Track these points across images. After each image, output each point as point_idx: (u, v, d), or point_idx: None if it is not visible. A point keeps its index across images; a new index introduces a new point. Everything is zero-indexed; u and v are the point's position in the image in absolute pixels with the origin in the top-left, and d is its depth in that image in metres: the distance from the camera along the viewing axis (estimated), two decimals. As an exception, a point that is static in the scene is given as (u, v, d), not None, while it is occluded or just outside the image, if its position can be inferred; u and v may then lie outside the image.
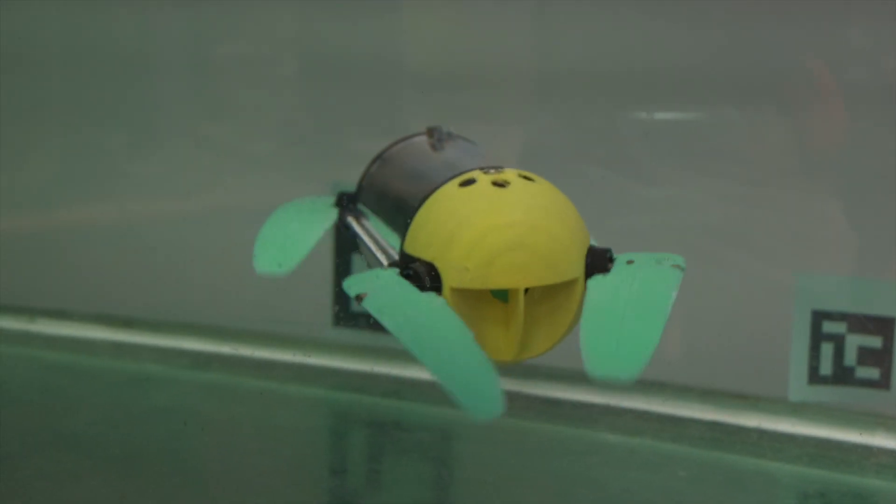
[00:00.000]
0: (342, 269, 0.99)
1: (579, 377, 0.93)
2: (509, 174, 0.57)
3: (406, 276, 0.55)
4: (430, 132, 0.69)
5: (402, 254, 0.57)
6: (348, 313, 0.99)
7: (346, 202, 0.71)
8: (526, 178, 0.57)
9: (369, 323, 1.00)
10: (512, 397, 0.90)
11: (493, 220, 0.54)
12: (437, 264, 0.54)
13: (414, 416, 0.90)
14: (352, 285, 0.55)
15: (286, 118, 1.06)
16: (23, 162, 1.15)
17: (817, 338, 0.88)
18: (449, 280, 0.54)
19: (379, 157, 0.71)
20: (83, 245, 1.12)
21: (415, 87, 1.02)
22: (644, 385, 0.92)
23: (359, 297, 0.53)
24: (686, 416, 0.89)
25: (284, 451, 0.83)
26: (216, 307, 1.04)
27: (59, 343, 1.04)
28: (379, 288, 0.54)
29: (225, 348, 1.01)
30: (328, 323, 1.00)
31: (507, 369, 0.93)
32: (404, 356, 0.95)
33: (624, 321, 0.52)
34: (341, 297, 1.00)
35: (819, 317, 0.88)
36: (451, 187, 0.57)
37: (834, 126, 0.89)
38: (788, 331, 0.88)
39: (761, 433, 0.86)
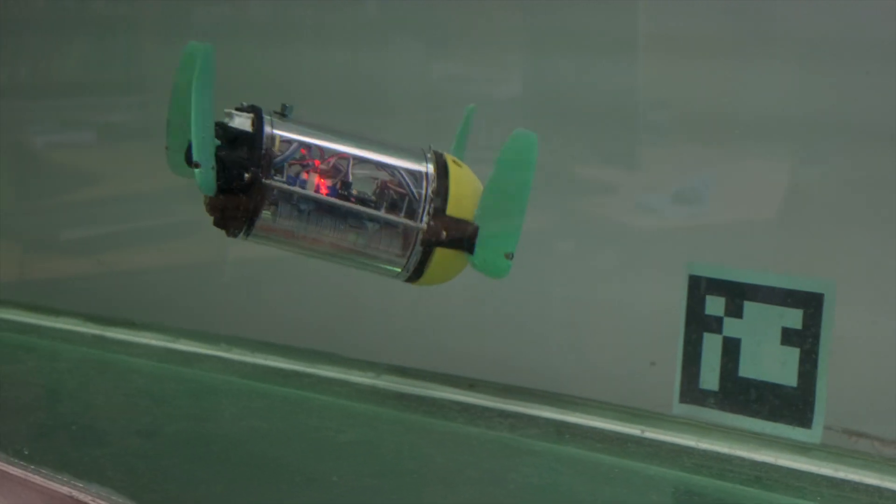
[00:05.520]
0: (691, 343, 0.98)
1: None
2: None
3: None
4: (283, 107, 0.82)
5: (449, 218, 0.81)
6: (696, 389, 0.98)
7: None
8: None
9: (718, 401, 0.98)
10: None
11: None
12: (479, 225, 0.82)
13: (788, 511, 0.86)
14: None
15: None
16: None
17: None
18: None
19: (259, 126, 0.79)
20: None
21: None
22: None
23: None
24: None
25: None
26: (564, 374, 1.05)
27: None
28: None
29: (572, 419, 1.01)
30: (674, 398, 0.98)
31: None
32: (762, 440, 0.93)
33: None
34: (689, 372, 0.98)
35: None
36: (455, 167, 0.82)
37: None
38: None
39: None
